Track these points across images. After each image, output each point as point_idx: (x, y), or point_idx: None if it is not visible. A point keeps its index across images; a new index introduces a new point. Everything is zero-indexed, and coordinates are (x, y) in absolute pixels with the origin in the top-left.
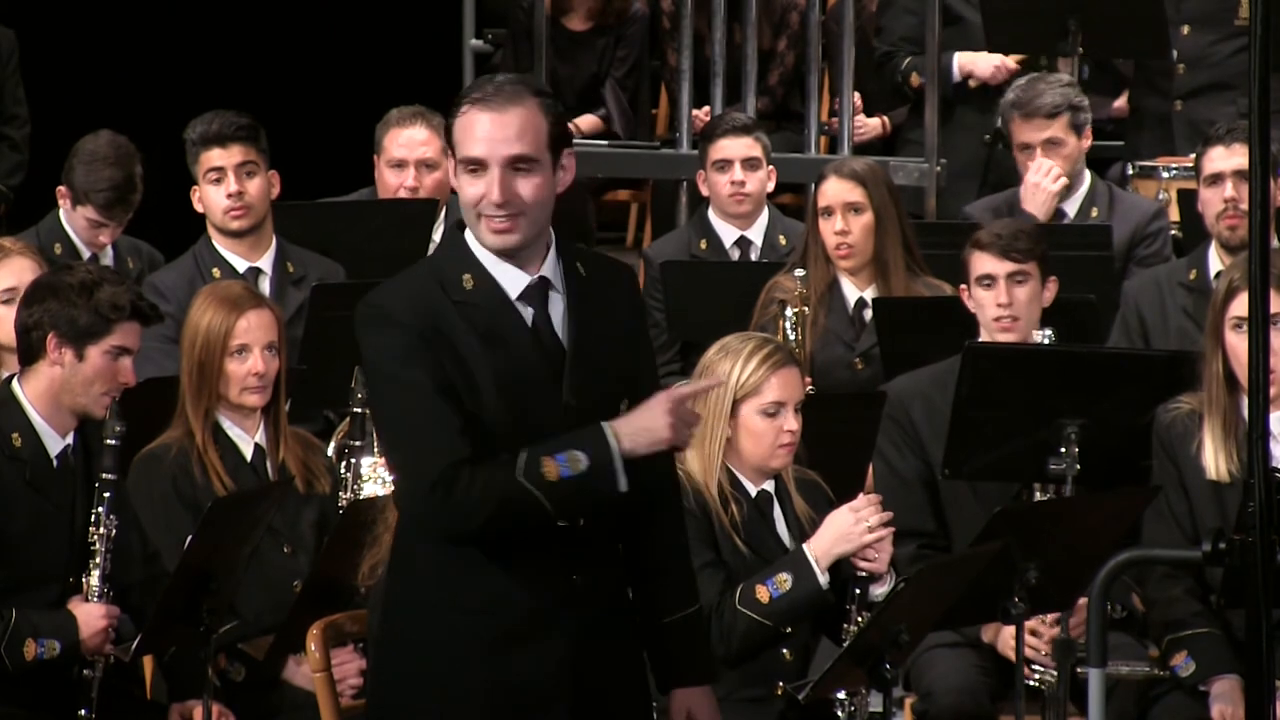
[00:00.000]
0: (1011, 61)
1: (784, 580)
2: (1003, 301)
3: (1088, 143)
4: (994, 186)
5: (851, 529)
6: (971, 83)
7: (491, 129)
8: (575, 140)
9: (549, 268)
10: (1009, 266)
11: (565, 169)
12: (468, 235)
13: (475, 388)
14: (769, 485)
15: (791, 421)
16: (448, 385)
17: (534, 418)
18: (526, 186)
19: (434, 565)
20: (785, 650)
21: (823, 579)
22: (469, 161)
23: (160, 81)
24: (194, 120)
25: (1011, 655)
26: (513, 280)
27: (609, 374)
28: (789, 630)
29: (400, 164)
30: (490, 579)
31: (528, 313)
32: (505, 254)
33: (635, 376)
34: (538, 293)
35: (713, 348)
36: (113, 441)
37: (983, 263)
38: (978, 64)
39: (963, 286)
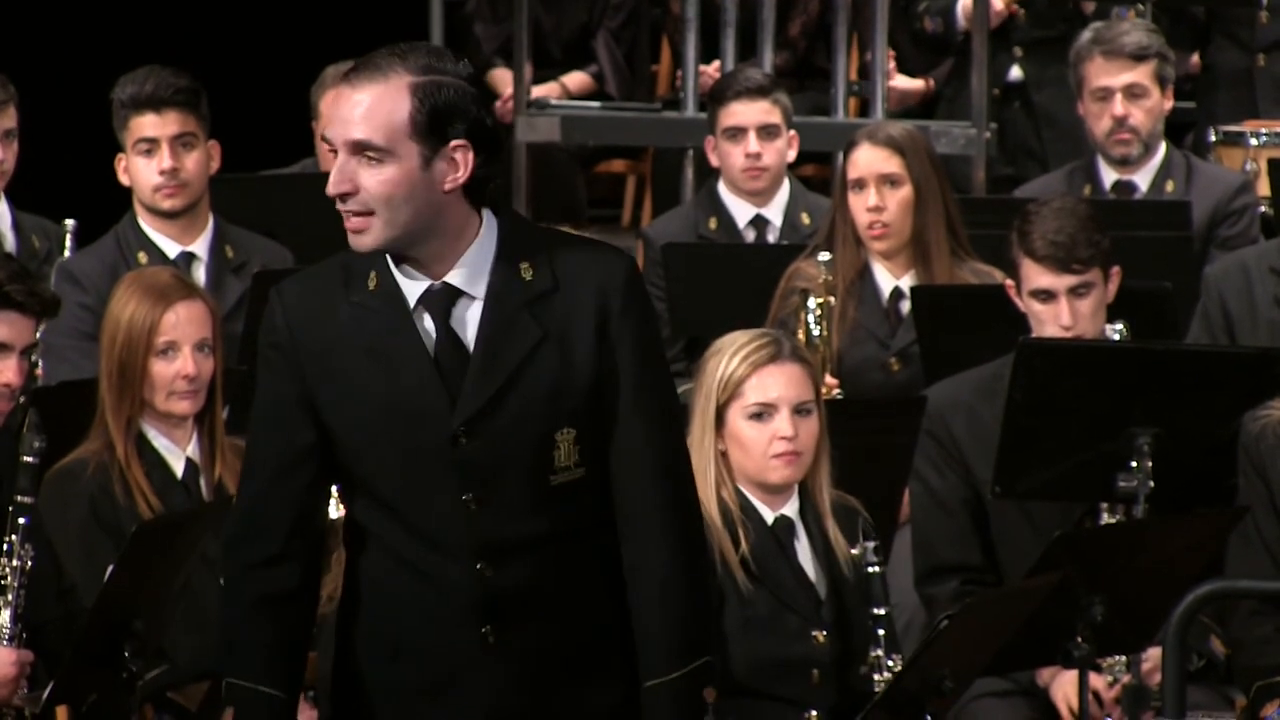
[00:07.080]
0: (999, 2)
1: None
2: (1066, 323)
3: (1169, 104)
4: (1010, 152)
5: None
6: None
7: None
8: (563, 102)
9: (462, 272)
10: (1069, 280)
11: (455, 164)
12: None
13: (357, 412)
14: (790, 509)
15: (785, 425)
16: (291, 461)
17: (419, 453)
18: (370, 179)
19: (354, 611)
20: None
21: None
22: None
23: (83, 31)
24: (123, 78)
25: (1064, 706)
26: (413, 284)
27: (534, 402)
28: None
29: None
30: (393, 626)
31: (426, 325)
32: (396, 256)
33: (589, 401)
34: (439, 301)
35: (710, 347)
36: (30, 459)
37: (1038, 275)
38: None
39: (1009, 282)
